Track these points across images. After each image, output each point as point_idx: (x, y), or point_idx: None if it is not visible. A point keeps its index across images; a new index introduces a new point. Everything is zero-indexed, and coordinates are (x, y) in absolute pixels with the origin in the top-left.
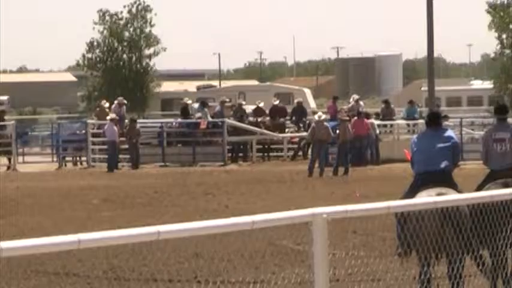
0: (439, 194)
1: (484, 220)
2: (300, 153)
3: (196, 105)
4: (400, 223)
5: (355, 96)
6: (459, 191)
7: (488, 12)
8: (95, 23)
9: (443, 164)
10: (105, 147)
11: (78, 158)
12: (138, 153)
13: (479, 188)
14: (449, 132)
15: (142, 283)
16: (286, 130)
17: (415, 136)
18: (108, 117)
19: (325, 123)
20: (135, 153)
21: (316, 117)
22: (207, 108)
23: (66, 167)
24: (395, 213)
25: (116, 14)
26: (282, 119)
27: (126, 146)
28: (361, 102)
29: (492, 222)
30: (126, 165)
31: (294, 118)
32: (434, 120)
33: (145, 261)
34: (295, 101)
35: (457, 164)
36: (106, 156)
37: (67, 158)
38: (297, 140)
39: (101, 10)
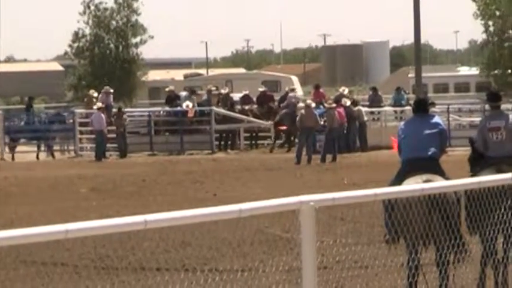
0: (426, 181)
1: (474, 206)
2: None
3: (184, 93)
4: (388, 210)
5: (345, 89)
6: (446, 178)
7: (474, 0)
8: (80, 14)
9: (430, 151)
10: (92, 136)
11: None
12: (126, 142)
13: (473, 174)
14: (437, 119)
15: (130, 272)
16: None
17: (402, 123)
18: (95, 107)
19: (313, 111)
20: (122, 142)
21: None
22: (195, 97)
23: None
24: (382, 200)
25: (101, 3)
26: (270, 105)
27: (114, 135)
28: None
29: (482, 208)
30: (113, 155)
31: (281, 105)
32: (422, 106)
33: (134, 250)
34: (286, 89)
35: (444, 150)
36: (94, 145)
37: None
38: (284, 128)
39: (84, 1)
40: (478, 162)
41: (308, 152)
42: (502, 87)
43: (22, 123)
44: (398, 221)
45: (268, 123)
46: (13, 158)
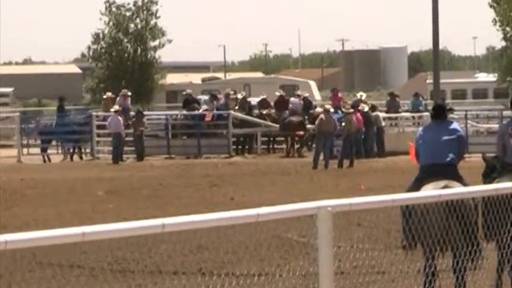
0: (445, 187)
1: (491, 213)
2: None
3: (205, 97)
4: (405, 216)
5: (363, 95)
6: (464, 184)
7: (491, 6)
8: (102, 14)
9: (449, 157)
10: (109, 139)
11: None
12: (143, 145)
13: (490, 180)
14: (455, 125)
15: (147, 275)
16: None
17: (420, 128)
18: (112, 109)
19: (332, 116)
20: (140, 145)
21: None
22: (216, 101)
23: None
24: (400, 206)
25: (123, 5)
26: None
27: (131, 138)
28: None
29: (500, 215)
30: (131, 157)
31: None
32: (440, 112)
33: (150, 253)
34: (302, 95)
35: (462, 156)
36: (111, 148)
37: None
38: (301, 133)
39: (107, 1)
40: (493, 171)
41: (325, 157)
42: None
43: (53, 124)
44: (416, 227)
45: None
46: (45, 160)
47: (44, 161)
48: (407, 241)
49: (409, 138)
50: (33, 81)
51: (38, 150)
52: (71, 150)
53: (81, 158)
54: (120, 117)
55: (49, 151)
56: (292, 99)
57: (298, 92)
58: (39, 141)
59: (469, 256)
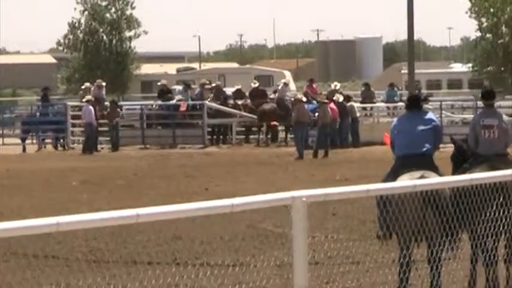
0: (421, 177)
1: (464, 203)
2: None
3: (179, 87)
4: (380, 206)
5: (337, 85)
6: (440, 174)
7: None
8: (77, 3)
9: (425, 147)
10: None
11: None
12: (118, 136)
13: (463, 170)
14: (430, 115)
15: (121, 265)
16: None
17: (395, 119)
18: (84, 99)
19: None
20: (115, 135)
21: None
22: (190, 91)
23: (42, 150)
24: (375, 196)
25: None
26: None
27: (106, 128)
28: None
29: (473, 205)
30: (105, 147)
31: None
32: (415, 103)
33: (125, 244)
34: (278, 83)
35: (438, 147)
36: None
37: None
38: (276, 123)
39: None
40: (464, 160)
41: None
42: (495, 84)
43: (38, 114)
44: (390, 217)
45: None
46: (25, 150)
47: (24, 150)
48: (382, 231)
49: (384, 129)
50: (8, 71)
51: (12, 140)
52: (58, 141)
53: (64, 148)
54: (91, 108)
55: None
56: (282, 87)
57: (285, 81)
58: (18, 131)
59: (448, 246)
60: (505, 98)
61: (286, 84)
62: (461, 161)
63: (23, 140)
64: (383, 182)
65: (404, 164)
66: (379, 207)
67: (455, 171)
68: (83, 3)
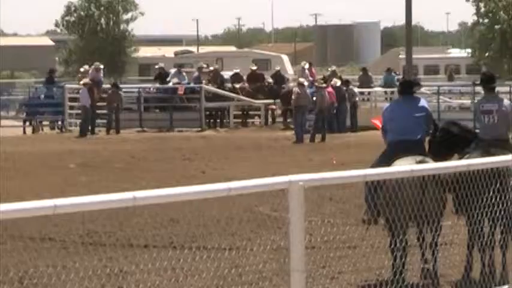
0: (419, 162)
1: (461, 189)
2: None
3: (173, 70)
4: (371, 191)
5: (333, 67)
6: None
7: None
8: None
9: (419, 134)
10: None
11: (37, 123)
12: (118, 119)
13: (463, 154)
14: (423, 102)
15: (118, 248)
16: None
17: (387, 104)
18: (81, 82)
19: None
20: (115, 119)
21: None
22: (185, 73)
23: (40, 132)
24: (365, 182)
25: None
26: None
27: (105, 111)
28: (336, 74)
29: (469, 191)
30: (103, 130)
31: (272, 84)
32: (408, 88)
33: (122, 227)
34: (276, 68)
35: (429, 133)
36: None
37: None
38: (274, 107)
39: None
40: (449, 143)
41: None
42: (493, 69)
43: (42, 96)
44: (386, 201)
45: (259, 102)
46: (25, 132)
47: (25, 132)
48: (369, 216)
49: (381, 114)
50: (6, 53)
51: (9, 122)
52: (56, 123)
53: (61, 130)
54: (86, 90)
55: (19, 123)
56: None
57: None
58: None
59: (440, 231)
60: (505, 83)
61: (304, 69)
62: (448, 146)
63: (26, 122)
64: (374, 167)
65: (397, 150)
66: (370, 192)
67: (438, 155)
68: None
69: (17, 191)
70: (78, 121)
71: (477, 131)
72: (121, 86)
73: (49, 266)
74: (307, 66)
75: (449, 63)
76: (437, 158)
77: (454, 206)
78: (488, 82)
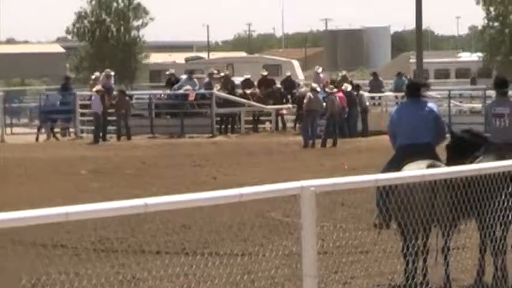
0: (429, 166)
1: (473, 192)
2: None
3: (183, 77)
4: (382, 195)
5: (344, 72)
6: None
7: None
8: None
9: (428, 137)
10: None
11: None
12: (128, 125)
13: (474, 158)
14: (431, 105)
15: (130, 255)
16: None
17: (394, 109)
18: (93, 89)
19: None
20: (125, 125)
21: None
22: (196, 80)
23: (53, 139)
24: (377, 187)
25: None
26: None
27: (114, 118)
28: (347, 79)
29: (481, 194)
30: (114, 137)
31: (283, 90)
32: (415, 91)
33: (134, 233)
34: (286, 74)
35: (444, 136)
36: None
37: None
38: (285, 112)
39: None
40: (462, 150)
41: (313, 136)
42: (504, 73)
43: (58, 103)
44: (398, 206)
45: (270, 107)
46: (50, 137)
47: (37, 139)
48: (384, 220)
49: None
50: (17, 60)
51: (20, 130)
52: (67, 130)
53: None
54: (98, 97)
55: (30, 130)
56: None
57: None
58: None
59: (452, 236)
60: None
61: (318, 73)
62: (459, 151)
63: (40, 128)
64: (384, 172)
65: (406, 154)
66: (381, 197)
67: (451, 160)
68: None
69: (29, 197)
70: (90, 128)
71: (487, 134)
72: (132, 92)
73: (61, 273)
74: (320, 70)
75: (460, 67)
76: (450, 163)
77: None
78: (500, 86)
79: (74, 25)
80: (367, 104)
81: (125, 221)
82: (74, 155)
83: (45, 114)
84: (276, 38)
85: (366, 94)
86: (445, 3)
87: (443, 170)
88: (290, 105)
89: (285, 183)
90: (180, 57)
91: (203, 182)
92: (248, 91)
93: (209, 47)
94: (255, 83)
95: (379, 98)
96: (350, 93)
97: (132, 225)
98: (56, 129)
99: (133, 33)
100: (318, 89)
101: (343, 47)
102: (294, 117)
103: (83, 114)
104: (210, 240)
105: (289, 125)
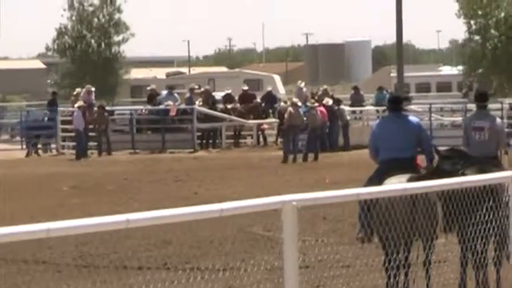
0: (410, 180)
1: (454, 206)
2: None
3: (164, 92)
4: (364, 209)
5: (325, 87)
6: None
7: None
8: (64, 10)
9: (410, 152)
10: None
11: (38, 146)
12: (109, 140)
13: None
14: (413, 119)
15: (112, 270)
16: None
17: (375, 122)
18: (75, 105)
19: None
20: (106, 140)
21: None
22: (178, 95)
23: (34, 155)
24: (359, 200)
25: (86, 0)
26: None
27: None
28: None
29: (462, 208)
30: (95, 153)
31: (263, 105)
32: (396, 105)
33: (115, 249)
34: (267, 89)
35: (431, 151)
36: (74, 144)
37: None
38: (266, 127)
39: None
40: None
41: (294, 150)
42: (485, 86)
43: (46, 119)
44: (380, 220)
45: (251, 122)
46: (39, 154)
47: (28, 154)
48: (366, 234)
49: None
50: None
51: (2, 146)
52: (48, 146)
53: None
54: (80, 113)
55: (11, 146)
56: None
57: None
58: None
59: (434, 249)
60: (497, 101)
61: (301, 88)
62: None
63: (32, 145)
64: (366, 186)
65: (389, 167)
66: (363, 210)
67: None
68: (71, 10)
69: (11, 213)
70: (72, 144)
71: (463, 148)
72: (113, 107)
73: None
74: (303, 85)
75: (441, 80)
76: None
77: (443, 223)
78: (480, 99)
79: (54, 41)
80: (348, 118)
81: (107, 237)
82: (56, 171)
83: (28, 130)
84: (256, 53)
85: (347, 108)
86: (425, 17)
87: (424, 184)
88: (273, 120)
89: (266, 198)
90: (161, 73)
91: (185, 197)
92: (229, 106)
93: (190, 62)
94: (236, 98)
95: (361, 112)
96: (331, 107)
97: (114, 241)
98: (38, 145)
99: (114, 48)
100: (299, 104)
101: (324, 61)
102: (275, 132)
103: (64, 130)
104: (192, 255)
105: (271, 139)
